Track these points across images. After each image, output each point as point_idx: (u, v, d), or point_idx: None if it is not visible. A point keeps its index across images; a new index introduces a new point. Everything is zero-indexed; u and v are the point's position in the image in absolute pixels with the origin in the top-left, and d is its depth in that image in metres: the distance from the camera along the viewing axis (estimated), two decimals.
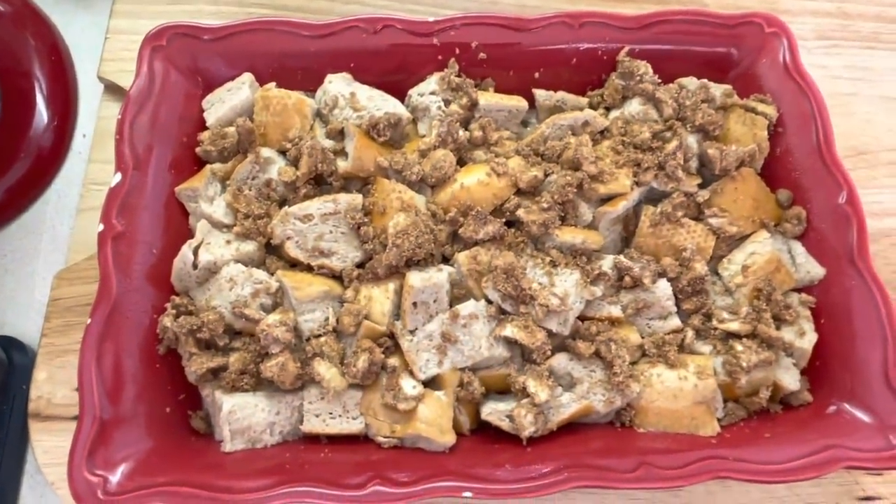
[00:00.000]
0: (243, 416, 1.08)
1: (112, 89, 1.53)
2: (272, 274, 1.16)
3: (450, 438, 1.06)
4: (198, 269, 1.19)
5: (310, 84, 1.36)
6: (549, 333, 1.11)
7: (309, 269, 1.19)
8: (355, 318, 1.15)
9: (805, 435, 1.08)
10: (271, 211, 1.23)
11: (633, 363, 1.15)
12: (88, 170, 1.49)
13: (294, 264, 1.22)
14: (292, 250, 1.19)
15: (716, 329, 1.17)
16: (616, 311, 1.16)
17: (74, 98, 1.65)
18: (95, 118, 1.54)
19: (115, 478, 1.02)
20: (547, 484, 0.99)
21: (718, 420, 1.11)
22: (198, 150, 1.31)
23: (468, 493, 1.00)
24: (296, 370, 1.11)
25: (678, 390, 1.11)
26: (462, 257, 1.15)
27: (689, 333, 1.17)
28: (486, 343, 1.10)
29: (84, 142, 1.61)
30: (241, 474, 1.02)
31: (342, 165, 1.26)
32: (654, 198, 1.24)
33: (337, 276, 1.19)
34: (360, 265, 1.18)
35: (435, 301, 1.14)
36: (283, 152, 1.30)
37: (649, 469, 1.04)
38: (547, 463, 1.02)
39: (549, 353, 1.10)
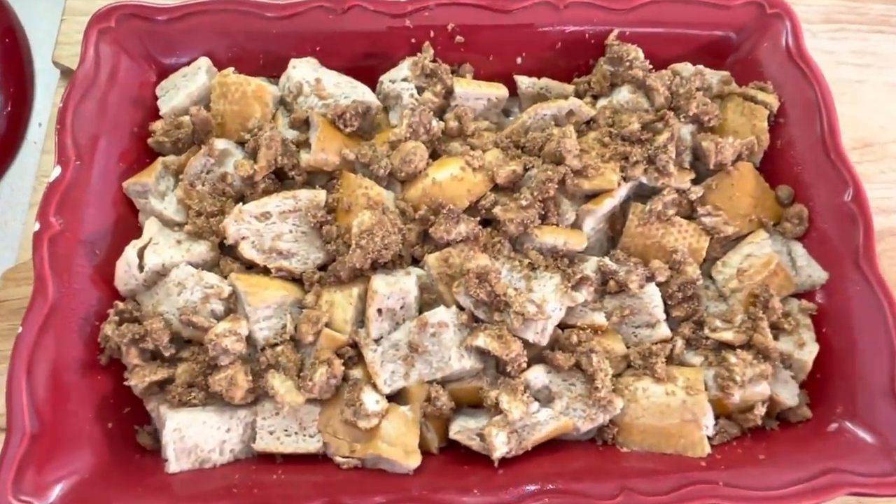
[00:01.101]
0: (190, 435, 1.01)
1: (68, 75, 1.43)
2: (226, 277, 1.10)
3: (414, 460, 0.99)
4: (144, 272, 1.10)
5: (272, 70, 1.27)
6: (526, 344, 1.04)
7: (266, 271, 1.12)
8: (315, 326, 1.07)
9: (803, 456, 1.02)
10: (226, 208, 1.14)
11: (618, 375, 1.09)
12: (42, 161, 1.40)
13: (250, 266, 1.14)
14: (247, 251, 1.10)
15: (708, 338, 1.11)
16: (599, 319, 1.09)
17: (30, 84, 1.56)
18: (52, 106, 1.44)
19: (46, 502, 0.93)
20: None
21: (709, 439, 1.04)
22: (150, 141, 1.23)
23: None
24: (246, 384, 1.03)
25: (665, 406, 1.04)
26: (432, 259, 1.09)
27: (679, 343, 1.11)
28: (456, 354, 1.03)
29: (40, 131, 1.51)
30: (185, 497, 0.96)
31: (305, 158, 1.17)
32: (643, 194, 1.17)
33: (297, 280, 1.13)
34: (323, 268, 1.11)
35: (402, 307, 1.08)
36: (242, 144, 1.21)
37: (631, 495, 0.96)
38: (520, 487, 0.96)
39: (524, 365, 1.04)
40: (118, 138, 1.19)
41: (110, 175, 1.16)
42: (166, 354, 1.07)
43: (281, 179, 1.19)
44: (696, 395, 1.05)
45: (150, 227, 1.14)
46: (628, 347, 1.10)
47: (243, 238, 1.10)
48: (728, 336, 1.09)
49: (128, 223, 1.17)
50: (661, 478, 0.98)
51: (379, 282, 1.07)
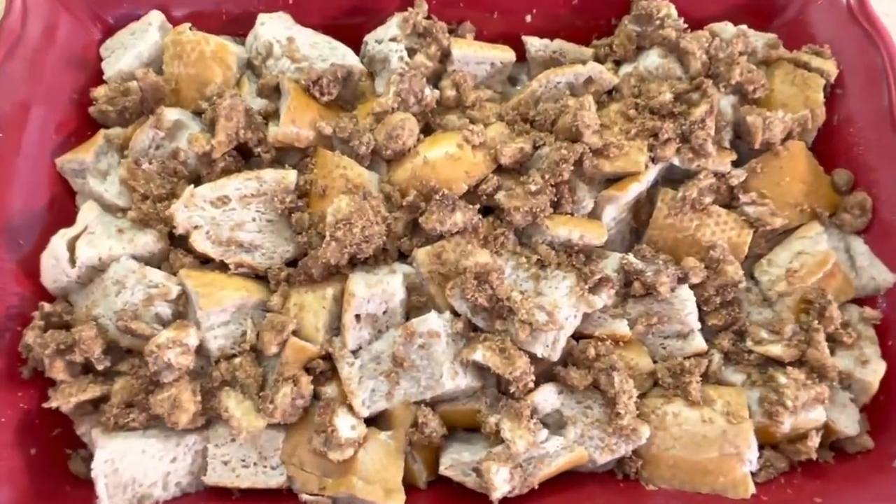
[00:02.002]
0: (126, 466, 0.88)
1: None
2: (175, 273, 0.95)
3: (397, 500, 0.87)
4: (77, 267, 0.95)
5: (237, 27, 1.12)
6: (533, 359, 0.92)
7: (224, 267, 0.97)
8: (280, 335, 0.92)
9: (863, 495, 0.90)
10: (178, 191, 0.99)
11: (642, 396, 0.95)
12: None
13: (206, 262, 0.98)
14: (201, 243, 0.95)
15: (751, 352, 0.98)
16: (622, 328, 0.96)
17: None
18: None
19: None
20: None
21: (752, 475, 0.91)
22: (91, 110, 1.07)
23: None
24: (193, 406, 0.88)
25: (701, 437, 0.90)
26: (422, 255, 0.96)
27: (717, 358, 0.98)
28: (449, 370, 0.90)
29: None
30: None
31: (273, 132, 1.01)
32: (674, 178, 1.04)
33: (260, 278, 0.99)
34: (292, 264, 0.99)
35: (385, 313, 0.95)
36: (199, 114, 1.05)
37: None
38: None
39: (531, 384, 0.91)
40: (53, 106, 1.04)
41: (42, 150, 1.02)
42: (100, 368, 0.92)
43: (245, 158, 1.04)
44: (740, 424, 0.90)
45: (87, 213, 0.99)
46: (655, 362, 0.97)
47: (196, 227, 0.96)
48: (776, 350, 0.96)
49: (62, 208, 1.02)
50: None
51: (358, 282, 0.93)
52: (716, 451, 0.89)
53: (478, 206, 0.98)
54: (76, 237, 0.95)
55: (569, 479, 0.92)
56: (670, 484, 0.91)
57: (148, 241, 0.97)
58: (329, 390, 0.93)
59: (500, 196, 0.98)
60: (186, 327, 0.89)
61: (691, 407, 0.91)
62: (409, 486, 0.90)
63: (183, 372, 0.88)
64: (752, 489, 0.89)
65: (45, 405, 0.89)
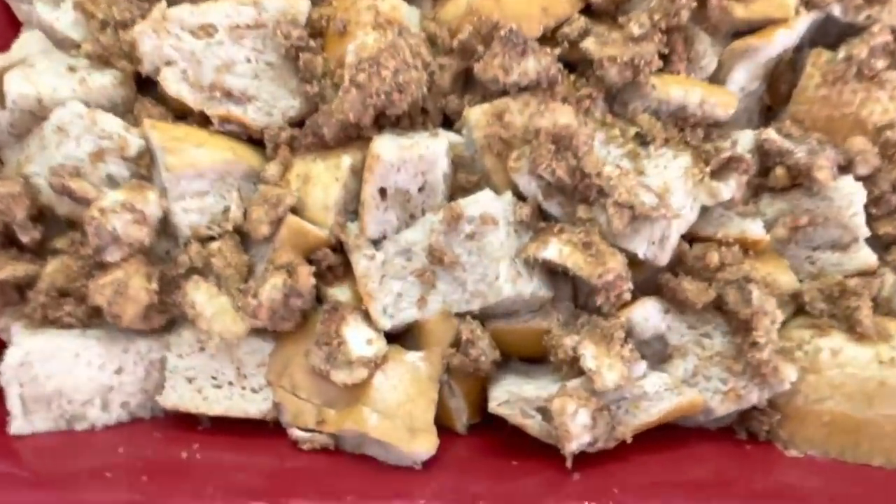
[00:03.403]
0: (50, 373, 0.68)
1: None
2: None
3: (425, 445, 0.67)
4: (10, 110, 0.73)
5: None
6: (631, 262, 0.71)
7: (205, 122, 0.76)
8: (274, 210, 0.70)
9: None
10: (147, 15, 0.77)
11: (782, 326, 0.71)
12: None
13: (182, 116, 0.77)
14: (173, 84, 0.74)
15: None
16: (755, 230, 0.74)
17: None
18: None
19: None
20: None
21: None
22: None
23: None
24: (146, 296, 0.67)
25: (876, 385, 0.68)
26: (477, 114, 0.75)
27: (891, 279, 0.75)
28: (508, 270, 0.69)
29: None
30: (27, 480, 0.64)
31: None
32: (830, 35, 0.81)
33: (255, 142, 0.78)
34: (297, 125, 0.78)
35: (421, 190, 0.73)
36: None
37: None
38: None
39: (627, 296, 0.71)
40: None
41: None
42: (25, 239, 0.71)
43: None
44: None
45: (28, 42, 0.81)
46: (801, 281, 0.76)
47: (168, 63, 0.74)
48: None
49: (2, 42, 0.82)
50: None
51: (386, 142, 0.71)
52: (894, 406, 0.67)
53: (557, 53, 0.74)
54: (7, 68, 0.73)
55: (673, 432, 0.70)
56: (823, 450, 0.70)
57: (105, 83, 0.76)
58: (338, 293, 0.72)
59: (589, 43, 0.75)
60: (144, 189, 0.69)
61: (860, 342, 0.69)
62: (442, 429, 0.70)
63: (135, 249, 0.68)
64: None
65: None
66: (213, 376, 0.70)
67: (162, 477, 0.65)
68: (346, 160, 0.73)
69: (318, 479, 0.67)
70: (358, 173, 0.74)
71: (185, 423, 0.72)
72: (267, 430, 0.72)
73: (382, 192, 0.71)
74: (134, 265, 0.66)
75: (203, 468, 0.67)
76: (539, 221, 0.73)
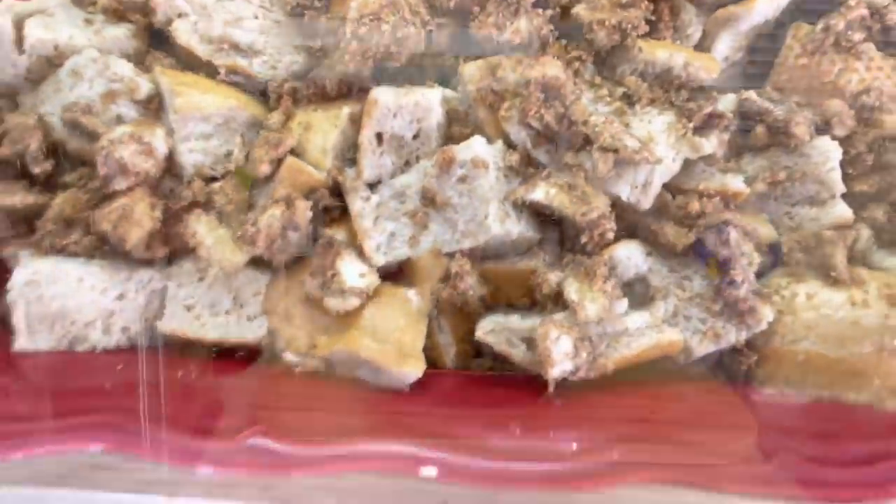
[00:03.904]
0: (55, 294, 0.68)
1: None
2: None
3: (414, 366, 0.66)
4: (28, 55, 0.74)
5: None
6: (615, 204, 0.70)
7: (212, 72, 0.76)
8: (275, 150, 0.70)
9: None
10: None
11: (760, 276, 0.71)
12: None
13: (192, 68, 0.77)
14: (183, 35, 0.75)
15: None
16: (736, 184, 0.73)
17: None
18: None
19: None
20: (580, 474, 0.59)
21: None
22: None
23: (430, 470, 0.54)
24: (150, 222, 0.67)
25: (849, 325, 0.67)
26: (471, 69, 0.75)
27: (865, 234, 0.74)
28: (497, 210, 0.69)
29: None
30: (31, 390, 0.64)
31: None
32: (809, 10, 0.81)
33: (259, 92, 0.78)
34: (301, 79, 0.78)
35: (416, 137, 0.74)
36: None
37: (787, 461, 0.59)
38: (585, 433, 0.63)
39: (610, 235, 0.69)
40: None
41: None
42: (37, 170, 0.71)
43: None
44: None
45: None
46: (780, 234, 0.74)
47: (180, 15, 0.76)
48: None
49: None
50: (837, 443, 0.61)
51: (383, 89, 0.72)
52: (870, 344, 0.65)
53: (549, 14, 0.75)
54: (27, 16, 0.74)
55: (651, 373, 0.68)
56: (798, 389, 0.68)
57: (119, 34, 0.76)
58: (336, 234, 0.70)
59: (580, 8, 0.75)
60: (152, 125, 0.69)
61: (834, 287, 0.68)
62: (430, 363, 0.68)
63: (141, 179, 0.67)
64: None
65: None
66: (212, 304, 0.70)
67: (157, 395, 0.63)
68: (346, 110, 0.74)
69: (310, 399, 0.65)
70: (356, 122, 0.73)
71: (183, 350, 0.70)
72: (259, 357, 0.70)
73: (379, 136, 0.71)
74: (139, 193, 0.67)
75: (196, 389, 0.66)
76: (527, 168, 0.71)
